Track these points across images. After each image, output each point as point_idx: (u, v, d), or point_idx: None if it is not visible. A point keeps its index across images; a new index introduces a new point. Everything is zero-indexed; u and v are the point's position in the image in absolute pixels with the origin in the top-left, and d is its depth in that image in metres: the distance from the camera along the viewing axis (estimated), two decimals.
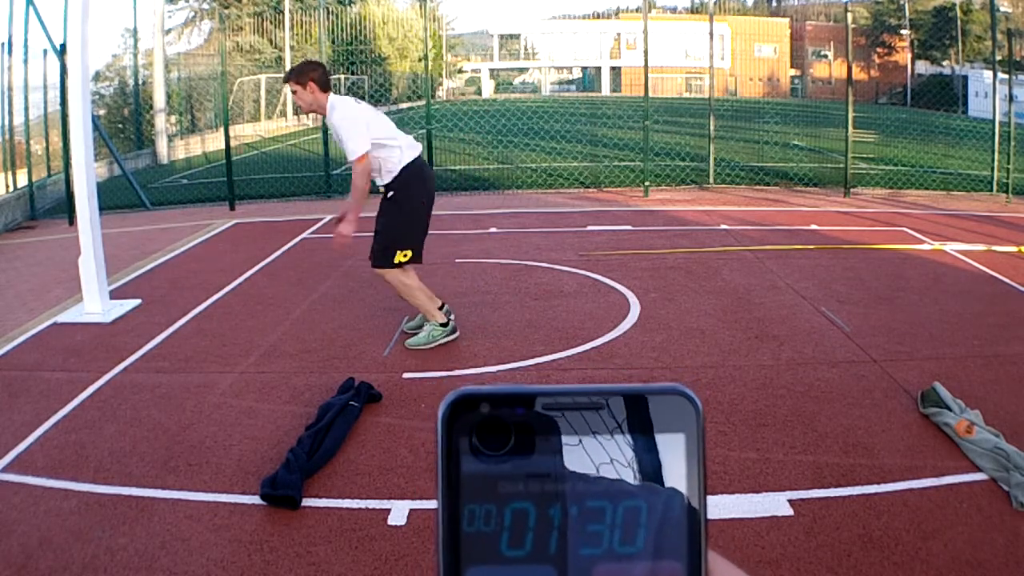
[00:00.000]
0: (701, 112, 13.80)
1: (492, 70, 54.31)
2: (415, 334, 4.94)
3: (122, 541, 2.89)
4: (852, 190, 10.57)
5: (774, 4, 55.11)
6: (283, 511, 3.08)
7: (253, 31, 26.07)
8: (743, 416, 3.83)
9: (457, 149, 15.27)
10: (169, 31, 27.32)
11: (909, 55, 38.95)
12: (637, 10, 47.59)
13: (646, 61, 10.69)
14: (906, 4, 38.87)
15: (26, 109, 11.30)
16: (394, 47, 29.70)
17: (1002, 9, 27.75)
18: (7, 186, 10.42)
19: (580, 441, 0.36)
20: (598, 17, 57.35)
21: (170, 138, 17.25)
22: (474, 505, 0.36)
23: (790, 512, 3.01)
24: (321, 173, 11.55)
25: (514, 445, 0.36)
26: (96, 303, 5.63)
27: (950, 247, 7.23)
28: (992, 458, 3.24)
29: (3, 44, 10.69)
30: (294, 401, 4.11)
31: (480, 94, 47.97)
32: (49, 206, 10.63)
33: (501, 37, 55.68)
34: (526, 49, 56.50)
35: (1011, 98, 10.71)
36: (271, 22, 25.53)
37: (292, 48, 23.22)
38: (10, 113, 10.84)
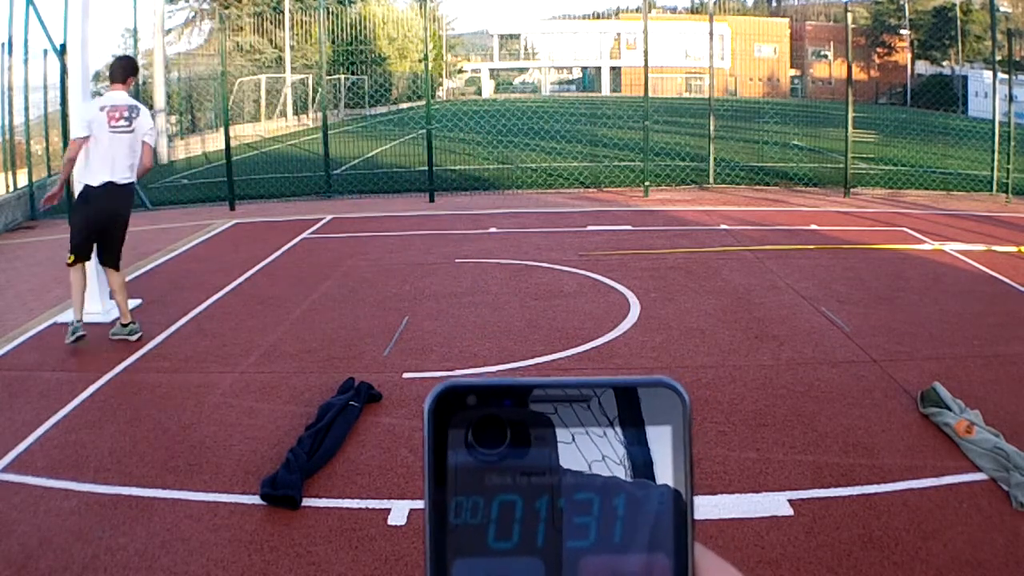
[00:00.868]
0: (701, 112, 13.80)
1: (492, 70, 54.32)
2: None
3: (122, 541, 2.89)
4: (852, 190, 10.57)
5: (774, 4, 55.12)
6: (283, 511, 3.08)
7: (253, 31, 26.08)
8: (743, 416, 3.83)
9: (457, 149, 15.27)
10: (169, 31, 27.32)
11: (909, 55, 38.96)
12: (637, 10, 47.60)
13: (646, 61, 10.69)
14: (906, 4, 38.88)
15: (26, 109, 11.29)
16: (394, 47, 29.70)
17: (1002, 9, 27.74)
18: (7, 186, 10.41)
19: (573, 438, 0.36)
20: (598, 17, 57.36)
21: (170, 138, 17.25)
22: (461, 497, 0.35)
23: (790, 512, 3.01)
24: (321, 173, 11.55)
25: (509, 442, 0.36)
26: (96, 303, 5.62)
27: (950, 247, 7.23)
28: (992, 458, 3.25)
29: (3, 44, 10.69)
30: (294, 401, 4.11)
31: (480, 94, 47.98)
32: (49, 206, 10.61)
33: (501, 37, 55.68)
34: (526, 49, 56.51)
35: (1011, 98, 10.71)
36: (271, 22, 25.54)
37: (292, 48, 23.24)
38: (10, 113, 10.84)
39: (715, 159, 11.59)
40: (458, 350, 4.83)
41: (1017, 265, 6.60)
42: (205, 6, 31.31)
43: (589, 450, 0.36)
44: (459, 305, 5.67)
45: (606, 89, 50.41)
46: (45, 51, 10.71)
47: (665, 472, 0.37)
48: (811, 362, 4.53)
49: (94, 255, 5.13)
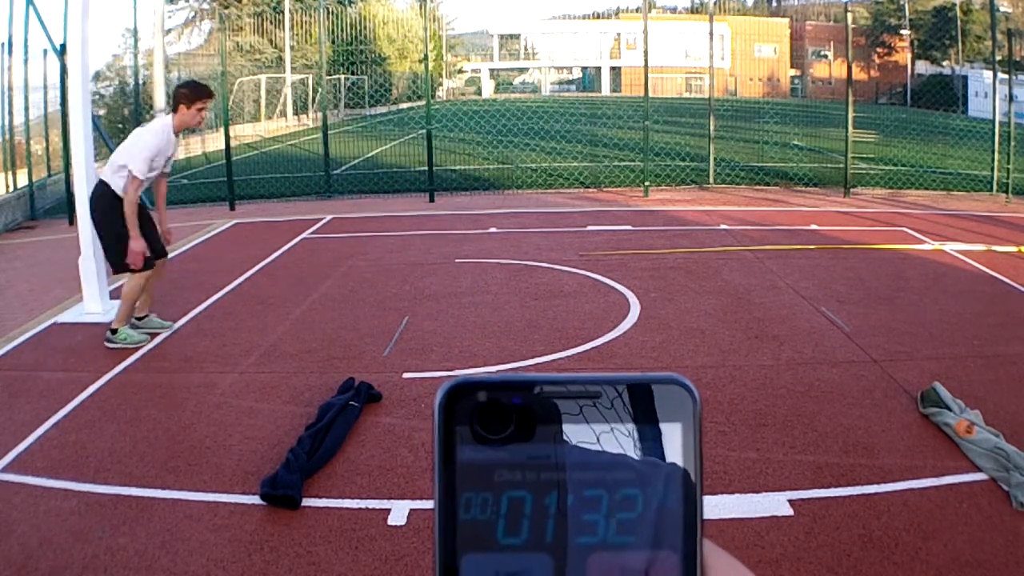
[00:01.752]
0: (701, 112, 13.80)
1: (492, 70, 54.32)
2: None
3: (122, 541, 2.89)
4: (852, 190, 10.57)
5: (774, 4, 55.12)
6: (283, 511, 3.08)
7: (253, 31, 26.08)
8: (743, 416, 3.83)
9: (457, 149, 15.28)
10: (169, 31, 27.33)
11: (909, 55, 38.96)
12: (637, 10, 47.60)
13: (646, 61, 10.69)
14: (906, 4, 38.88)
15: (26, 109, 11.29)
16: (394, 47, 29.70)
17: (1002, 9, 27.74)
18: (7, 186, 10.41)
19: (583, 421, 0.37)
20: (598, 17, 57.37)
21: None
22: (471, 493, 0.36)
23: (790, 512, 3.01)
24: (321, 173, 11.55)
25: (515, 430, 0.36)
26: (96, 303, 5.62)
27: (950, 247, 7.23)
28: (992, 458, 3.25)
29: (3, 44, 10.69)
30: (294, 401, 4.11)
31: (480, 94, 47.98)
32: (49, 206, 10.63)
33: (501, 37, 55.69)
34: (526, 49, 56.51)
35: (1011, 98, 10.71)
36: (271, 22, 25.54)
37: (292, 48, 23.24)
38: (10, 113, 10.84)
39: (715, 159, 11.59)
40: (458, 350, 4.83)
41: (1017, 265, 6.60)
42: (205, 6, 31.32)
43: (599, 432, 0.37)
44: (459, 305, 5.67)
45: (606, 89, 50.41)
46: (45, 51, 10.71)
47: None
48: (811, 362, 4.53)
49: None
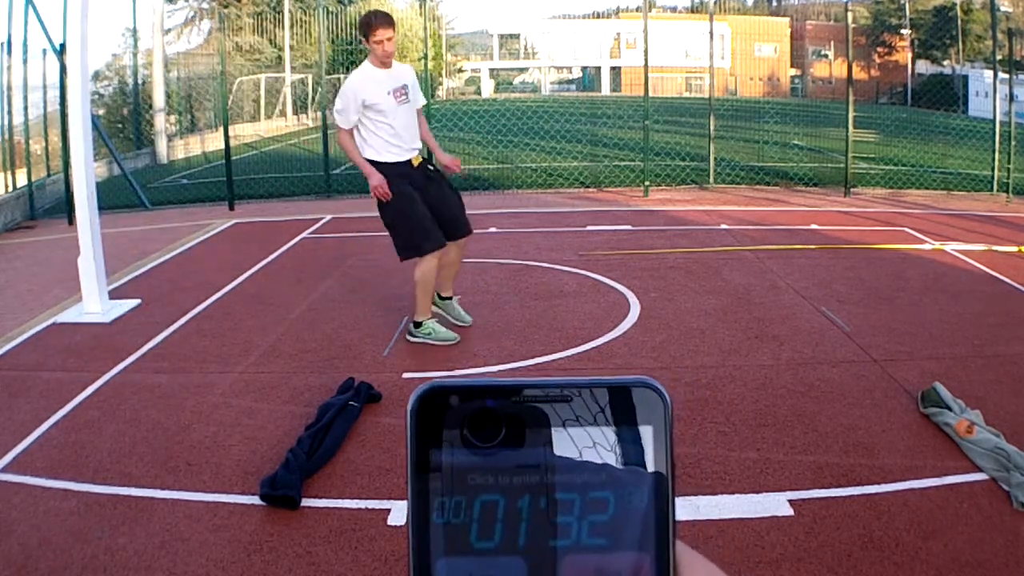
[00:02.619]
0: (701, 112, 13.79)
1: (492, 70, 54.30)
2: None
3: (121, 541, 2.89)
4: (852, 190, 10.57)
5: (774, 3, 55.11)
6: (283, 511, 3.08)
7: (253, 31, 26.08)
8: (743, 416, 3.83)
9: (457, 149, 15.26)
10: (169, 31, 27.31)
11: (909, 55, 38.95)
12: (637, 10, 47.58)
13: (646, 61, 10.69)
14: (906, 4, 38.88)
15: (25, 109, 11.29)
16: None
17: (1002, 9, 27.73)
18: (7, 186, 10.41)
19: (566, 432, 0.37)
20: (598, 17, 57.35)
21: (170, 138, 17.24)
22: (444, 497, 0.36)
23: (790, 512, 3.00)
24: (321, 173, 11.55)
25: (504, 437, 0.36)
26: (96, 303, 5.62)
27: (950, 247, 7.23)
28: (993, 458, 3.24)
29: (3, 44, 10.68)
30: (294, 401, 4.11)
31: (480, 94, 47.97)
32: (49, 206, 10.63)
33: (501, 37, 55.67)
34: (526, 49, 56.50)
35: (1011, 98, 10.71)
36: (271, 22, 25.53)
37: (292, 48, 23.23)
38: (9, 113, 10.83)
39: (715, 159, 11.58)
40: (458, 350, 4.83)
41: (1018, 265, 6.60)
42: (205, 6, 31.31)
43: (581, 439, 0.37)
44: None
45: (606, 89, 50.40)
46: (45, 51, 10.71)
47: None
48: (811, 362, 4.53)
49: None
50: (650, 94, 10.77)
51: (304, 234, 8.41)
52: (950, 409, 3.67)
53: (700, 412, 3.87)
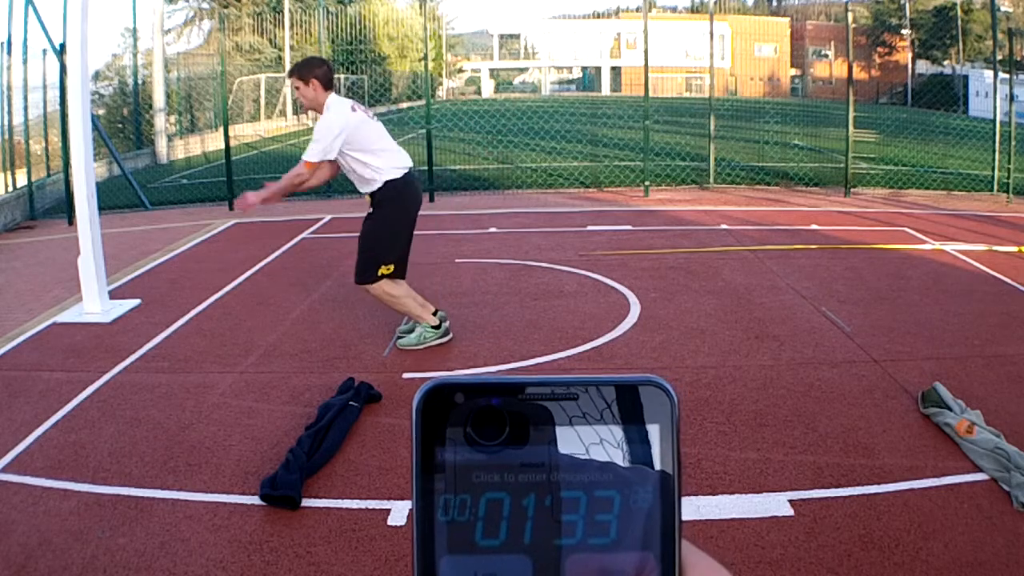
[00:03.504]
0: (701, 112, 13.79)
1: (492, 70, 54.31)
2: (407, 336, 4.91)
3: (121, 542, 2.89)
4: (852, 190, 10.57)
5: (774, 3, 55.12)
6: (283, 511, 3.08)
7: (253, 31, 26.08)
8: (743, 416, 3.83)
9: (457, 149, 15.27)
10: (169, 31, 27.32)
11: (910, 55, 38.94)
12: (637, 10, 47.59)
13: (646, 61, 10.69)
14: (907, 4, 38.87)
15: (25, 109, 11.29)
16: (394, 47, 29.70)
17: (1003, 9, 27.74)
18: (7, 186, 10.41)
19: (572, 430, 0.37)
20: (598, 17, 57.38)
21: (169, 138, 17.23)
22: (449, 495, 0.36)
23: (790, 512, 3.00)
24: None
25: (509, 434, 0.36)
26: (96, 303, 5.62)
27: (951, 247, 7.22)
28: (993, 458, 3.24)
29: (3, 44, 10.68)
30: (294, 401, 4.11)
31: (480, 94, 47.97)
32: (49, 206, 10.63)
33: (501, 37, 55.68)
34: (526, 49, 56.51)
35: (1012, 98, 10.70)
36: (271, 22, 25.52)
37: (292, 48, 23.22)
38: (10, 113, 10.84)
39: (715, 159, 11.58)
40: (458, 350, 4.83)
41: (1018, 265, 6.60)
42: (205, 6, 31.31)
43: (588, 437, 0.37)
44: (459, 305, 5.66)
45: (606, 89, 50.41)
46: (45, 51, 10.71)
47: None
48: (811, 362, 4.53)
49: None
50: (650, 94, 10.76)
51: (304, 234, 8.41)
52: (950, 409, 3.67)
53: (700, 412, 3.86)
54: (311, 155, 4.46)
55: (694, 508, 3.03)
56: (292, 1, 25.21)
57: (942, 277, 6.28)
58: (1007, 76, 11.41)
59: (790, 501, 3.07)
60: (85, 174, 5.59)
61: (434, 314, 4.80)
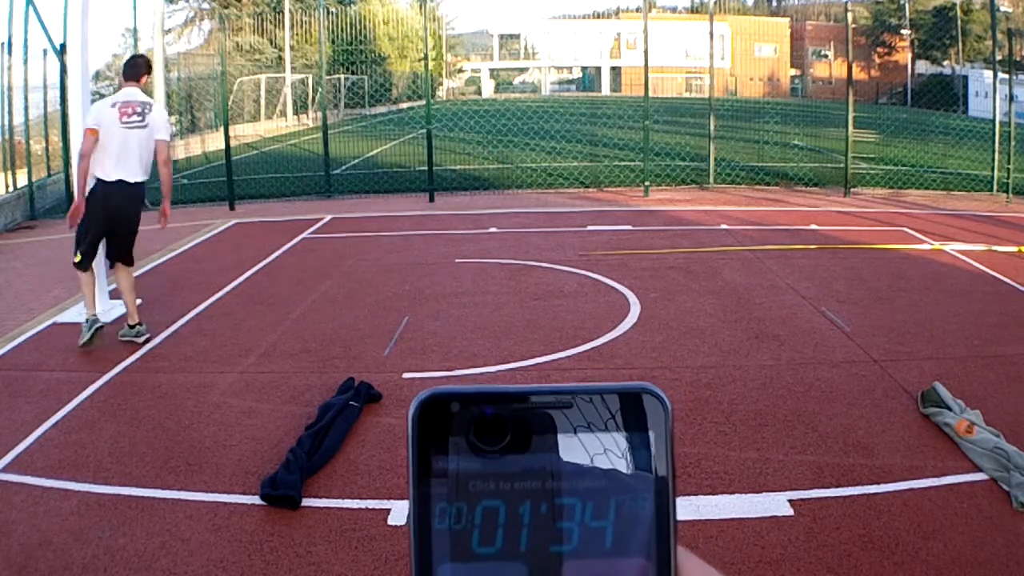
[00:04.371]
0: (701, 112, 13.79)
1: (492, 70, 54.32)
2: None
3: (122, 541, 2.89)
4: (852, 190, 10.57)
5: (774, 4, 55.13)
6: (283, 511, 3.08)
7: (253, 31, 26.08)
8: (743, 416, 3.83)
9: (457, 149, 15.27)
10: (169, 31, 27.33)
11: (909, 55, 38.94)
12: (637, 10, 47.59)
13: (646, 61, 10.69)
14: (906, 4, 38.87)
15: (26, 109, 11.28)
16: (394, 47, 29.70)
17: (1002, 9, 27.74)
18: (7, 186, 10.41)
19: (572, 432, 0.37)
20: (598, 17, 57.39)
21: (170, 138, 17.20)
22: (445, 503, 0.36)
23: (790, 512, 3.00)
24: (321, 173, 11.55)
25: (510, 442, 0.36)
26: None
27: (950, 247, 7.23)
28: (992, 458, 3.24)
29: (3, 44, 10.68)
30: (294, 401, 4.11)
31: (480, 94, 47.97)
32: (49, 206, 10.63)
33: (501, 37, 55.68)
34: (526, 49, 56.51)
35: (1011, 98, 10.71)
36: (271, 22, 25.53)
37: (292, 48, 23.24)
38: (10, 113, 10.83)
39: (715, 159, 11.58)
40: (458, 350, 4.83)
41: (1017, 265, 6.60)
42: (205, 6, 31.32)
43: (592, 445, 0.37)
44: (459, 305, 5.67)
45: (606, 89, 50.41)
46: (45, 51, 10.71)
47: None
48: (811, 362, 4.53)
49: (101, 252, 5.14)
50: (650, 94, 10.77)
51: (304, 234, 8.41)
52: (950, 409, 3.67)
53: (700, 412, 3.87)
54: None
55: (694, 508, 3.04)
56: (292, 1, 25.23)
57: (942, 277, 6.29)
58: (1007, 76, 11.42)
59: (790, 501, 3.08)
60: None
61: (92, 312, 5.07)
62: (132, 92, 4.98)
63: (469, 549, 0.36)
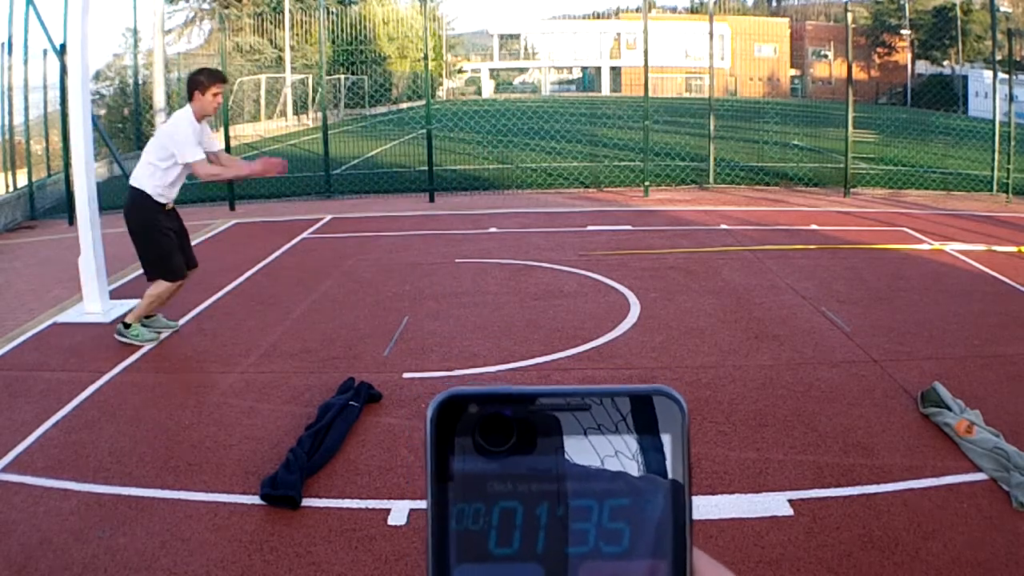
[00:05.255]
0: (701, 112, 13.80)
1: (492, 70, 54.31)
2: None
3: (122, 541, 2.89)
4: (852, 190, 10.57)
5: (774, 4, 55.14)
6: (283, 511, 3.08)
7: (253, 31, 26.08)
8: (743, 416, 3.83)
9: (457, 149, 15.27)
10: (169, 31, 27.34)
11: (909, 55, 38.95)
12: (637, 10, 47.58)
13: (646, 61, 10.69)
14: (906, 4, 38.88)
15: (26, 109, 11.29)
16: (394, 47, 29.70)
17: (1002, 9, 27.75)
18: (7, 186, 10.41)
19: (582, 434, 0.37)
20: (598, 17, 57.35)
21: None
22: (463, 504, 0.36)
23: (790, 512, 3.01)
24: (321, 173, 11.55)
25: (516, 442, 0.36)
26: (96, 303, 5.62)
27: (950, 247, 7.23)
28: (992, 458, 3.24)
29: (3, 44, 10.69)
30: (294, 401, 4.11)
31: (480, 94, 47.96)
32: (49, 206, 10.63)
33: (501, 37, 55.68)
34: (526, 49, 56.50)
35: (1011, 98, 10.71)
36: (271, 22, 25.53)
37: (292, 48, 23.24)
38: (10, 113, 10.84)
39: (715, 159, 11.58)
40: (458, 350, 4.83)
41: (1017, 265, 6.60)
42: (205, 6, 31.32)
43: (603, 448, 0.37)
44: (459, 305, 5.67)
45: (606, 89, 50.41)
46: (45, 51, 10.71)
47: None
48: (811, 362, 4.53)
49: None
50: (650, 94, 10.77)
51: (304, 234, 8.41)
52: (950, 409, 3.67)
53: (700, 412, 3.87)
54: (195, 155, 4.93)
55: (694, 508, 3.03)
56: (292, 1, 25.23)
57: (941, 277, 6.29)
58: (1007, 76, 11.42)
59: (790, 501, 3.08)
60: (86, 174, 5.59)
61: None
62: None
63: (486, 550, 0.36)
